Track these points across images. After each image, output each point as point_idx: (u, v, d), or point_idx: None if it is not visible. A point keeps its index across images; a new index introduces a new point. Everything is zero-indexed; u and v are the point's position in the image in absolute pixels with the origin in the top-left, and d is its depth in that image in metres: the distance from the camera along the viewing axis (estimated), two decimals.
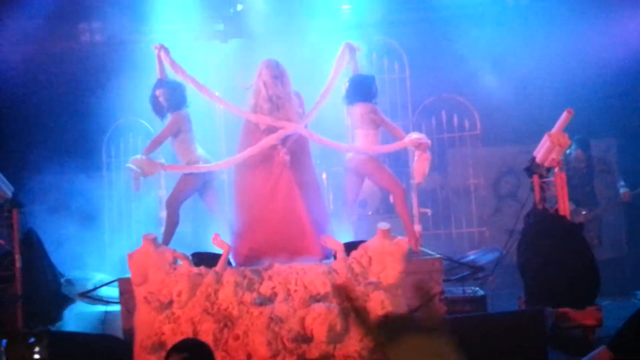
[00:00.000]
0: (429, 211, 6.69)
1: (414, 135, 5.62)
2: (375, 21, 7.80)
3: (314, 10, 8.01)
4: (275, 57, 5.60)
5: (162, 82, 5.97)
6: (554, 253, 5.01)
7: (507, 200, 8.59)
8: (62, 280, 5.80)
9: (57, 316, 5.71)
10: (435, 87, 7.50)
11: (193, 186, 5.92)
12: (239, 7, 8.22)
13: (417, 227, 6.36)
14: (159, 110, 6.05)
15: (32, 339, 4.52)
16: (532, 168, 5.32)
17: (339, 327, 4.42)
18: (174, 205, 5.91)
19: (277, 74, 5.42)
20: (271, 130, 5.40)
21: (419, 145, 5.53)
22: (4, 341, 4.65)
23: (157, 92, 5.96)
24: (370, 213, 7.47)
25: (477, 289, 5.70)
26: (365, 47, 6.26)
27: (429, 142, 5.62)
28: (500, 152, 8.50)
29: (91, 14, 8.12)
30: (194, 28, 8.12)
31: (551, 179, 5.23)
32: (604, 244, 7.43)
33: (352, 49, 5.90)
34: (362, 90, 5.78)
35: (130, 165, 5.35)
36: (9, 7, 7.81)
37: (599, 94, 7.89)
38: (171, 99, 5.91)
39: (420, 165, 5.63)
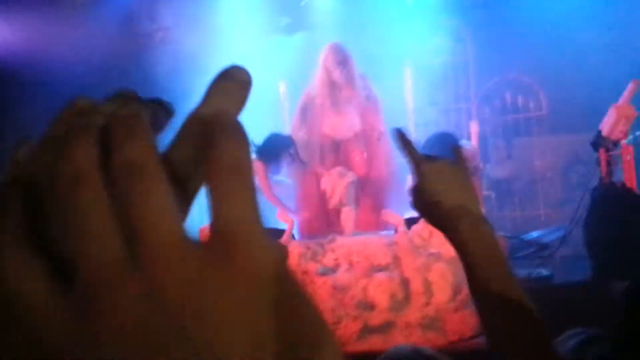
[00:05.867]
0: (492, 194, 6.66)
1: None
2: (440, 5, 7.76)
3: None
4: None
5: None
6: (622, 227, 4.89)
7: (577, 189, 8.33)
8: None
9: None
10: (500, 69, 7.37)
11: None
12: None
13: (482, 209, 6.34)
14: None
15: None
16: (598, 142, 5.20)
17: (400, 295, 4.52)
18: None
19: (340, 59, 5.52)
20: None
21: None
22: None
23: None
24: None
25: (541, 269, 5.60)
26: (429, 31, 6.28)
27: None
28: (568, 139, 8.27)
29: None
30: (259, 21, 8.35)
31: (618, 152, 5.10)
32: None
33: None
34: None
35: None
36: None
37: None
38: None
39: None
